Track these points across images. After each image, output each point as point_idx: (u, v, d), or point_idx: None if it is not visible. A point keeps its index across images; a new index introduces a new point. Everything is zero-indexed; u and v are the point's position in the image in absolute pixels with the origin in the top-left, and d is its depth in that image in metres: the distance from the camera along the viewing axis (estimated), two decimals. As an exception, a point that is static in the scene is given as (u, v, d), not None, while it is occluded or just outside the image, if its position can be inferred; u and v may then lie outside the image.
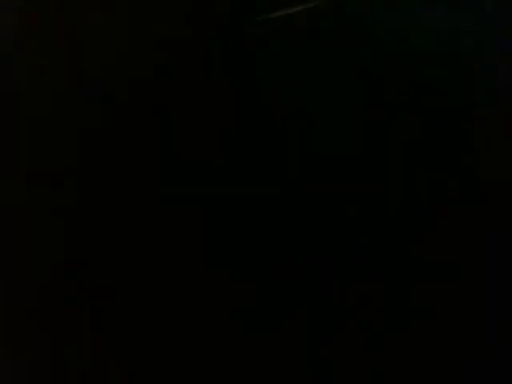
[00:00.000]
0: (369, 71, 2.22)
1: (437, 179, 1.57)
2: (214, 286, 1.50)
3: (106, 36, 2.03)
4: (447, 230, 1.53)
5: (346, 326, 1.43)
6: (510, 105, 2.00)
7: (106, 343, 1.44)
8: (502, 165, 1.63)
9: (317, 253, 1.51)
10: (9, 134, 1.57)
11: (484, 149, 1.68)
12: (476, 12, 2.90)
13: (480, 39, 2.54)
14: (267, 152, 1.53)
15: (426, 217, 1.54)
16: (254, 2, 3.02)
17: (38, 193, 1.57)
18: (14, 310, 1.50)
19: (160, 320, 1.47)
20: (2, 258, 1.55)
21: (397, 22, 2.74)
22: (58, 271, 1.55)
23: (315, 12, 2.89)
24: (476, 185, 1.58)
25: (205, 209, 1.56)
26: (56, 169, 1.57)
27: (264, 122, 1.63)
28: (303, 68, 2.27)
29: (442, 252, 1.52)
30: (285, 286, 1.50)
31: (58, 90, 1.63)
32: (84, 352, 1.44)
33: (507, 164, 1.62)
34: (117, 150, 1.65)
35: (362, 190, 1.54)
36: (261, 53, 2.47)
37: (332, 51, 2.41)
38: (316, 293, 1.48)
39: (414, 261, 1.51)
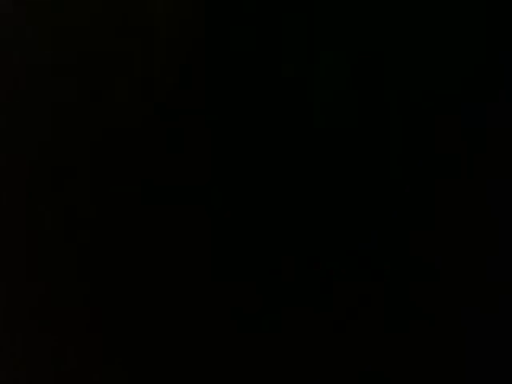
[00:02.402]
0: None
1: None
2: (213, 286, 1.51)
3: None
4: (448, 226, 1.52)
5: (346, 326, 1.43)
6: None
7: (107, 344, 1.45)
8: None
9: (315, 252, 1.51)
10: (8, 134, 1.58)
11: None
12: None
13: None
14: (264, 151, 1.53)
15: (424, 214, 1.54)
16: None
17: (39, 191, 1.58)
18: (14, 310, 1.51)
19: (160, 321, 1.47)
20: (2, 258, 1.56)
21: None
22: (59, 271, 1.55)
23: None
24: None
25: (204, 207, 1.57)
26: (55, 168, 1.58)
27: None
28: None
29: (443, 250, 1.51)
30: (284, 286, 1.50)
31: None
32: (84, 354, 1.45)
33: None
34: (118, 148, 1.66)
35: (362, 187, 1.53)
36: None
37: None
38: (315, 293, 1.48)
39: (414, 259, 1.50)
